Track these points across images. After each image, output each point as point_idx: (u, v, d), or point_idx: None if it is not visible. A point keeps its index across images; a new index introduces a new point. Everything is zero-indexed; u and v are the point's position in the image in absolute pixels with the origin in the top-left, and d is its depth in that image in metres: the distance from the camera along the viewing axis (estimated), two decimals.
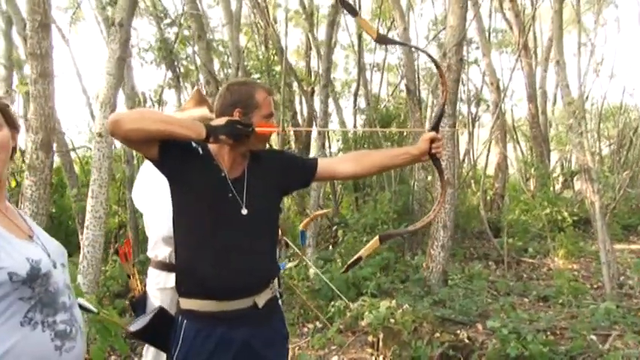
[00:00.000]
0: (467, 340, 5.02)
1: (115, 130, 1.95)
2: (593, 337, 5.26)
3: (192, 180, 2.12)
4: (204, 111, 3.03)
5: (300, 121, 12.48)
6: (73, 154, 8.41)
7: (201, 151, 2.17)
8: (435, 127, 2.46)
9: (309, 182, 2.45)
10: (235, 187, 2.15)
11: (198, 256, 2.09)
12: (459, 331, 5.24)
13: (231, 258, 2.10)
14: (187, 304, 2.13)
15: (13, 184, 7.23)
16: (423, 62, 13.09)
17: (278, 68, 10.75)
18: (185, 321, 2.12)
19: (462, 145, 14.28)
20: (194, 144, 2.14)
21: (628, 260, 8.81)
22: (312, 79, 12.26)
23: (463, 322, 5.63)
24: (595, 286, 7.57)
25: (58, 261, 1.70)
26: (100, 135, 3.69)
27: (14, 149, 1.70)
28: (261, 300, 2.17)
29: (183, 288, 2.16)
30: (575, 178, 15.18)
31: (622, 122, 16.40)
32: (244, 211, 2.13)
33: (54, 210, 8.22)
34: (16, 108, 7.28)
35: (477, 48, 12.40)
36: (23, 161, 6.27)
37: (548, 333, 5.30)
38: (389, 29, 12.63)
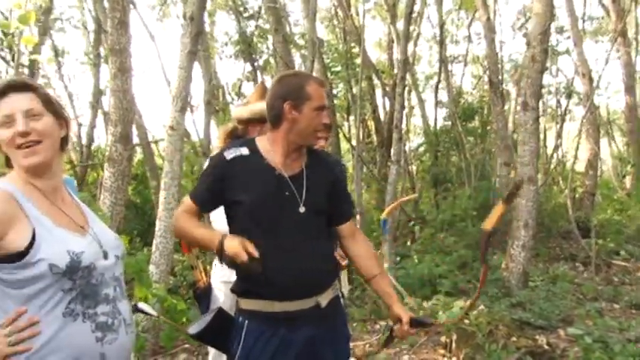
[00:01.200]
0: (546, 347, 4.76)
1: None
2: None
3: (245, 188, 2.09)
4: (264, 105, 3.02)
5: (381, 114, 12.35)
6: (154, 147, 8.74)
7: (246, 152, 2.14)
8: None
9: (330, 224, 2.28)
10: (294, 184, 2.11)
11: (267, 260, 2.00)
12: (537, 337, 4.98)
13: (293, 257, 2.06)
14: (249, 304, 2.11)
15: (94, 176, 7.61)
16: (507, 55, 12.59)
17: (358, 61, 10.66)
18: (247, 321, 2.09)
19: (551, 139, 13.63)
20: (234, 152, 2.13)
21: None
22: (394, 71, 12.09)
23: (543, 326, 5.34)
24: None
25: (111, 253, 1.72)
26: (171, 128, 3.78)
27: (65, 140, 1.73)
28: (323, 300, 2.13)
29: (244, 289, 2.13)
30: None
31: None
32: (302, 209, 2.09)
33: (138, 200, 8.58)
34: (105, 103, 7.61)
35: (569, 37, 11.72)
36: (103, 154, 6.61)
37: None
38: (471, 20, 12.21)
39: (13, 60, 5.85)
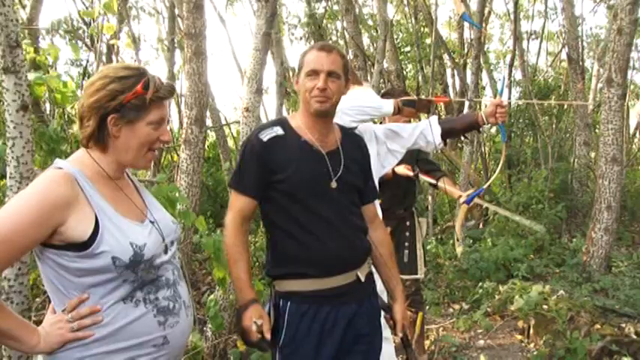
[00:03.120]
0: (634, 336, 4.53)
1: None
2: None
3: (285, 168, 2.05)
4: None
5: (451, 94, 12.05)
6: (226, 129, 8.89)
7: (281, 131, 2.11)
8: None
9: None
10: (330, 160, 2.12)
11: (301, 234, 2.05)
12: (624, 325, 4.74)
13: (333, 232, 2.07)
14: (289, 285, 2.08)
15: (169, 158, 7.80)
16: (588, 29, 11.95)
17: (428, 41, 10.43)
18: (288, 303, 2.05)
19: (633, 117, 12.91)
20: (270, 133, 2.09)
21: None
22: (465, 51, 11.76)
23: (629, 314, 5.08)
24: None
25: (169, 240, 1.70)
26: (247, 109, 3.81)
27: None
28: (362, 273, 2.14)
29: (284, 271, 2.09)
30: None
31: None
32: (334, 184, 2.09)
33: (211, 183, 8.78)
34: (178, 87, 7.79)
35: None
36: (177, 137, 6.77)
37: None
38: None
39: (92, 45, 6.07)
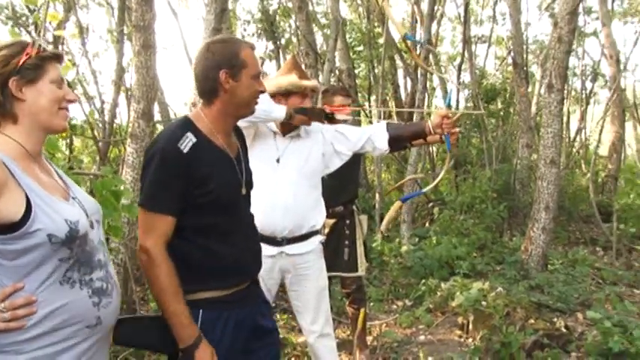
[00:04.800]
0: (564, 330, 4.75)
1: None
2: None
3: (207, 179, 1.92)
4: (292, 78, 3.03)
5: (402, 95, 12.25)
6: None
7: (194, 138, 1.92)
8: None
9: None
10: (238, 165, 2.08)
11: (221, 247, 1.99)
12: (555, 319, 4.97)
13: (250, 240, 2.12)
14: (205, 294, 1.98)
15: (116, 152, 7.68)
16: (532, 35, 12.35)
17: (381, 41, 10.57)
18: (201, 311, 1.96)
19: (574, 122, 13.42)
20: (186, 142, 1.89)
21: None
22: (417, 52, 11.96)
23: (561, 309, 5.33)
24: None
25: (94, 218, 1.73)
26: (194, 105, 3.80)
27: None
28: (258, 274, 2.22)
29: (199, 285, 1.97)
30: None
31: None
32: (244, 191, 2.09)
33: None
34: (128, 80, 7.66)
35: (597, 18, 11.46)
36: (125, 131, 6.66)
37: None
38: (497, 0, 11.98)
39: (38, 36, 5.89)
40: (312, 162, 3.05)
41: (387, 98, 12.50)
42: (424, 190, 3.48)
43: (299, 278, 3.07)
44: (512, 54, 9.11)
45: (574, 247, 8.19)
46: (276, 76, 3.28)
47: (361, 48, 11.67)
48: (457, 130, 2.93)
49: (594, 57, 13.68)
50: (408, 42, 3.25)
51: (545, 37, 13.37)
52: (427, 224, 8.87)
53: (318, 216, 3.11)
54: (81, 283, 1.62)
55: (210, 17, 3.78)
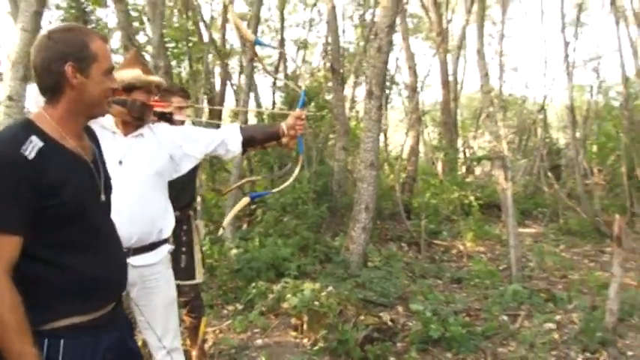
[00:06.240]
0: (390, 323, 5.08)
1: None
2: (505, 318, 5.52)
3: (58, 189, 1.66)
4: (135, 72, 2.79)
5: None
6: None
7: (40, 142, 1.64)
8: None
9: None
10: (95, 169, 1.84)
11: (82, 265, 1.73)
12: (381, 314, 5.29)
13: (113, 255, 1.87)
14: (66, 321, 1.71)
15: None
16: (347, 42, 13.06)
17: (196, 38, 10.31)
18: (62, 340, 1.69)
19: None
20: (31, 147, 1.61)
21: (527, 243, 9.36)
22: (228, 51, 11.91)
23: (384, 304, 5.69)
24: (500, 267, 7.92)
25: None
26: (10, 98, 3.28)
27: None
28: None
29: (56, 313, 1.69)
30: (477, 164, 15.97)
31: (522, 113, 17.44)
32: (103, 197, 1.85)
33: None
34: None
35: (397, 31, 12.51)
36: None
37: (464, 314, 5.47)
38: (313, 5, 12.46)
39: None
40: (159, 164, 2.83)
41: (201, 97, 12.25)
42: (274, 190, 3.44)
43: (146, 291, 2.83)
44: (329, 59, 9.51)
45: (384, 245, 8.83)
46: (116, 70, 2.98)
47: (173, 45, 11.26)
48: (309, 131, 2.97)
49: (390, 68, 14.72)
50: (257, 47, 3.17)
51: (350, 45, 14.27)
52: (246, 225, 8.85)
53: (166, 223, 2.90)
54: None
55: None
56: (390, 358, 4.40)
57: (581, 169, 12.14)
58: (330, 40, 9.20)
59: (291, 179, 3.28)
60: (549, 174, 13.23)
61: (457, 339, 4.64)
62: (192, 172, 4.07)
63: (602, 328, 4.84)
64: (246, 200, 3.15)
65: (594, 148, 14.68)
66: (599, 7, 24.22)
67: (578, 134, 13.52)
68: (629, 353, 4.64)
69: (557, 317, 5.45)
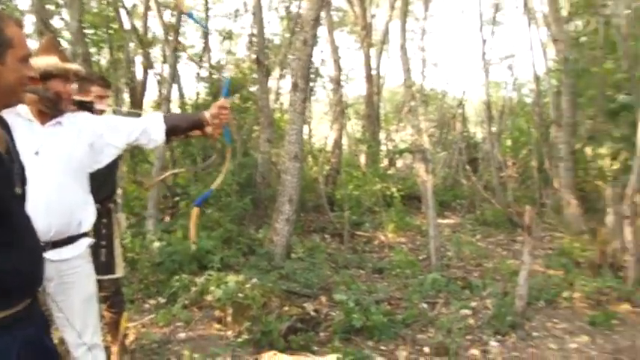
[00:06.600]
0: (313, 313, 5.16)
1: None
2: (424, 305, 5.73)
3: None
4: (52, 59, 2.68)
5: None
6: None
7: None
8: None
9: None
10: (9, 161, 1.74)
11: (1, 257, 1.65)
12: (305, 304, 5.36)
13: (28, 246, 1.78)
14: None
15: None
16: (272, 33, 12.99)
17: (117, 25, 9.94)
18: None
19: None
20: None
21: (446, 234, 9.73)
22: (150, 39, 11.56)
23: (308, 295, 5.76)
24: (420, 257, 8.19)
25: None
26: None
27: None
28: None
29: None
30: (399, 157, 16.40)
31: (443, 107, 18.02)
32: (18, 190, 1.76)
33: None
34: None
35: (322, 24, 12.59)
36: None
37: (386, 303, 5.63)
38: None
39: None
40: (78, 154, 2.74)
41: (122, 86, 11.86)
42: (212, 187, 3.38)
43: (64, 287, 2.74)
44: (254, 51, 9.44)
45: (308, 236, 8.92)
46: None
47: (92, 31, 10.81)
48: (234, 122, 2.94)
49: (315, 61, 14.81)
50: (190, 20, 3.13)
51: (276, 37, 14.23)
52: (169, 218, 8.67)
53: (86, 215, 2.81)
54: None
55: None
56: (313, 347, 4.47)
57: (497, 162, 12.71)
58: (255, 31, 9.11)
59: (224, 171, 3.27)
60: (467, 167, 13.81)
61: (378, 327, 4.78)
62: (114, 164, 3.96)
63: (513, 313, 5.14)
64: (195, 210, 3.11)
65: (508, 142, 15.42)
66: (513, 8, 25.31)
67: (494, 129, 14.15)
68: (535, 334, 4.96)
69: (473, 303, 5.73)
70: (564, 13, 10.85)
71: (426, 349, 4.60)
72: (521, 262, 5.42)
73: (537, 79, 12.59)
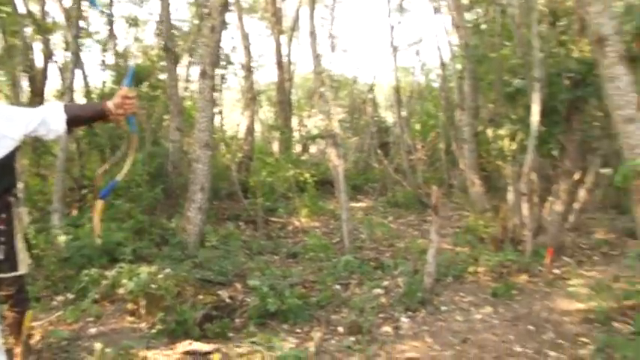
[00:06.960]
0: (228, 300, 5.19)
1: None
2: (338, 287, 5.91)
3: None
4: None
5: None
6: None
7: None
8: None
9: None
10: None
11: None
12: (220, 292, 5.37)
13: None
14: None
15: None
16: (180, 20, 12.66)
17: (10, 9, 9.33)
18: None
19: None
20: None
21: (359, 217, 10.00)
22: (50, 25, 10.94)
23: (222, 282, 5.77)
24: (334, 241, 8.38)
25: None
26: None
27: None
28: None
29: None
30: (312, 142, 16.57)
31: (353, 93, 18.36)
32: None
33: None
34: None
35: (231, 10, 12.42)
36: None
37: (300, 287, 5.74)
38: None
39: None
40: None
41: (18, 73, 11.17)
42: (118, 178, 3.30)
43: None
44: (162, 38, 9.19)
45: (222, 224, 8.87)
46: None
47: None
48: (142, 111, 2.91)
49: (226, 47, 14.61)
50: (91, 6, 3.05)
51: (184, 24, 13.89)
52: (77, 212, 8.34)
53: None
54: None
55: None
56: (229, 334, 4.51)
57: (406, 145, 13.16)
58: (162, 18, 8.86)
59: (128, 161, 3.19)
60: (379, 151, 14.19)
61: (293, 310, 4.89)
62: (12, 156, 3.78)
63: (422, 289, 5.42)
64: (100, 203, 3.04)
65: (418, 126, 15.97)
66: None
67: (403, 113, 14.61)
68: (443, 308, 5.25)
69: (385, 283, 5.97)
70: (465, 1, 11.33)
71: (340, 329, 4.75)
72: (429, 240, 5.70)
73: (443, 64, 13.11)
